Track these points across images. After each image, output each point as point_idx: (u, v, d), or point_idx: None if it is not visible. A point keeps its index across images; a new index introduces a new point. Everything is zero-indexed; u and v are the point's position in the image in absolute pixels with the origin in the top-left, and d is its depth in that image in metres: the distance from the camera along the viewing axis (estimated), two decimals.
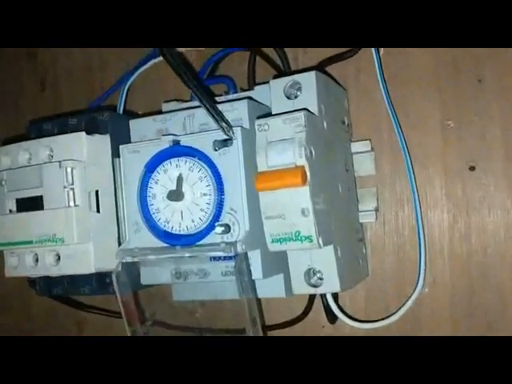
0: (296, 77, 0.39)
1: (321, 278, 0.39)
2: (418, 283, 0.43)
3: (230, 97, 0.46)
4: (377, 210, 0.46)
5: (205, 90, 0.40)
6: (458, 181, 0.44)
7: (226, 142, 0.39)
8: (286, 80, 0.39)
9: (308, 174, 0.35)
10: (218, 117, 0.38)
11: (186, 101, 0.49)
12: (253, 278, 0.40)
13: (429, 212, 0.45)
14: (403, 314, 0.44)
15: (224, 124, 0.38)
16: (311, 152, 0.36)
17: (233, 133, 0.38)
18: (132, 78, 0.50)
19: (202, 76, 0.50)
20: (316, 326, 0.48)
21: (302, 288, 0.39)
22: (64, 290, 0.44)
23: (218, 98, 0.46)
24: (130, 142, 0.43)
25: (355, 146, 0.46)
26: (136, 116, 0.48)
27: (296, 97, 0.39)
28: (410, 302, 0.43)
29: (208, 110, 0.38)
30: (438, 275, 0.45)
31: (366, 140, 0.46)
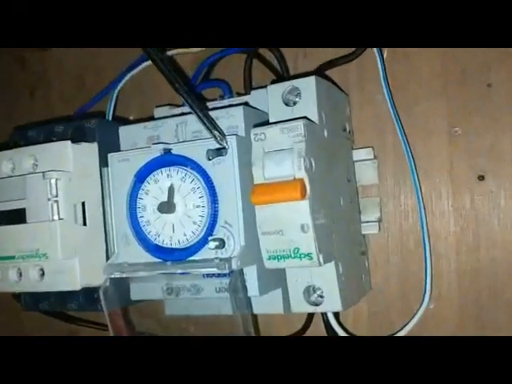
0: (295, 82, 0.37)
1: (321, 296, 0.37)
2: (424, 299, 0.41)
3: (226, 102, 0.43)
4: (380, 220, 0.44)
5: (196, 96, 0.38)
6: (466, 191, 0.42)
7: (220, 151, 0.37)
8: (285, 85, 0.37)
9: (308, 187, 0.32)
10: (210, 124, 0.36)
11: (180, 105, 0.46)
12: (249, 295, 0.38)
13: (435, 223, 0.43)
14: (409, 330, 0.41)
15: (216, 132, 0.36)
16: (311, 163, 0.33)
17: (226, 142, 0.36)
18: (122, 82, 0.48)
19: (196, 79, 0.47)
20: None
21: (301, 306, 0.37)
22: (50, 305, 0.42)
23: (212, 103, 0.44)
24: (119, 150, 0.41)
25: (357, 154, 0.44)
26: (127, 122, 0.45)
27: (295, 103, 0.37)
28: (415, 319, 0.41)
29: (199, 117, 0.36)
30: (444, 290, 0.42)
31: (368, 147, 0.44)
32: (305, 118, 0.34)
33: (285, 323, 0.46)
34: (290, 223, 0.33)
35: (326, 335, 0.43)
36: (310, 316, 0.44)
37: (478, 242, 0.42)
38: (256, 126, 0.36)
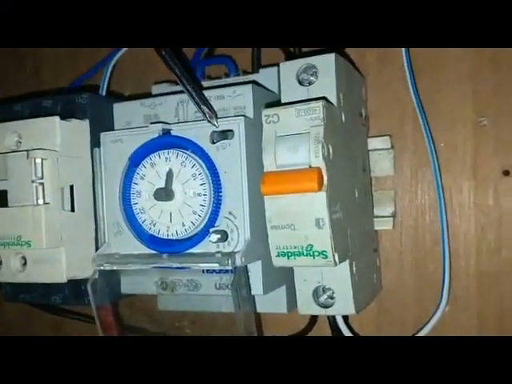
0: (312, 59, 0.33)
1: (331, 297, 0.33)
2: (440, 303, 0.38)
3: (231, 80, 0.40)
4: (394, 216, 0.40)
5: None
6: (490, 186, 0.38)
7: (225, 134, 0.33)
8: (300, 63, 0.33)
9: (325, 177, 0.29)
10: (199, 99, 0.32)
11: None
12: (252, 293, 0.34)
13: (453, 221, 0.39)
14: (424, 334, 0.38)
15: (205, 108, 0.32)
16: (329, 150, 0.30)
17: (216, 121, 0.33)
18: (118, 55, 0.43)
19: (199, 55, 0.43)
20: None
21: (309, 308, 0.34)
22: (33, 297, 0.39)
23: (216, 81, 0.40)
24: (112, 130, 0.37)
25: (372, 143, 0.40)
26: (121, 99, 0.41)
27: (310, 83, 0.33)
28: (431, 323, 0.38)
29: (184, 86, 0.32)
30: (462, 293, 0.39)
31: (385, 135, 0.40)
32: (324, 98, 0.31)
33: (287, 322, 0.43)
34: (304, 217, 0.29)
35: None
36: (315, 316, 0.41)
37: (500, 242, 0.38)
38: (267, 106, 0.32)
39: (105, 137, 0.36)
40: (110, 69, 0.44)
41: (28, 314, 0.54)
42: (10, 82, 0.56)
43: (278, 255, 0.30)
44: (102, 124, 0.37)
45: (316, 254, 0.29)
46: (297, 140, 0.30)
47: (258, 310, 0.38)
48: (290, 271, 0.35)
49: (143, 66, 0.47)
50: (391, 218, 0.40)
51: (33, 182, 0.33)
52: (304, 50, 0.41)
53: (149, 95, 0.41)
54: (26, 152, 0.33)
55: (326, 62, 0.32)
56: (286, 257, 0.30)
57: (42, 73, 0.54)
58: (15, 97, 0.49)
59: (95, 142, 0.37)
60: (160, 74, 0.45)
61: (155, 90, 0.42)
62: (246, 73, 0.41)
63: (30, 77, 0.54)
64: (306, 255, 0.30)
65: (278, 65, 0.38)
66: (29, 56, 0.54)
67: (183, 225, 0.34)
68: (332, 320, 0.39)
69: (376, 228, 0.40)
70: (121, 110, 0.38)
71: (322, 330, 0.41)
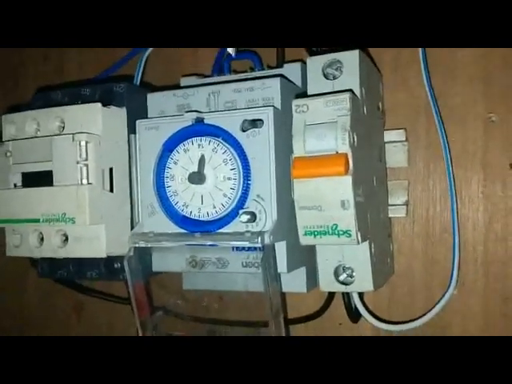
0: (337, 55, 0.35)
1: (351, 276, 0.36)
2: (449, 286, 0.40)
3: (256, 74, 0.42)
4: (407, 204, 0.43)
5: None
6: (498, 179, 0.41)
7: (255, 123, 0.36)
8: (326, 58, 0.36)
9: (351, 162, 0.32)
10: None
11: (206, 76, 0.45)
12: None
13: (463, 210, 0.42)
14: (431, 317, 0.41)
15: None
16: (354, 138, 0.32)
17: None
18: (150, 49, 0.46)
19: (225, 51, 0.46)
20: (333, 323, 0.46)
21: (330, 285, 0.36)
22: (69, 273, 0.41)
23: (243, 75, 0.42)
24: (146, 117, 0.40)
25: (388, 135, 0.43)
26: (153, 89, 0.44)
27: (334, 77, 0.36)
28: (438, 306, 0.41)
29: None
30: (470, 279, 0.42)
31: (400, 129, 0.43)
32: (350, 90, 0.33)
33: (302, 303, 0.45)
34: (331, 199, 0.32)
35: (342, 317, 0.43)
36: (331, 297, 0.43)
37: (507, 231, 0.41)
38: (297, 97, 0.35)
39: (140, 124, 0.39)
40: (144, 59, 0.46)
41: (50, 295, 0.57)
42: (34, 74, 0.58)
43: (306, 234, 0.33)
44: (136, 112, 0.39)
45: (341, 233, 0.32)
46: (325, 128, 0.32)
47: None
48: (310, 254, 0.37)
49: (169, 59, 0.50)
50: (404, 207, 0.43)
51: (78, 163, 0.36)
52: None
53: (177, 86, 0.43)
54: (71, 135, 0.36)
55: (351, 58, 0.35)
56: (313, 235, 0.33)
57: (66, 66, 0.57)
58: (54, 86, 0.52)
59: (131, 129, 0.39)
60: (184, 67, 0.48)
61: (184, 82, 0.45)
62: (270, 67, 0.43)
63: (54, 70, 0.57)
64: (332, 234, 0.32)
65: (300, 60, 0.41)
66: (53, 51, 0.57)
67: (214, 207, 0.36)
68: (347, 300, 0.42)
69: (390, 215, 0.42)
70: (154, 99, 0.40)
71: (334, 309, 0.43)
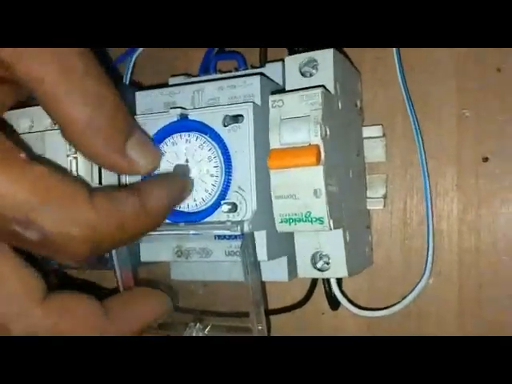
0: (313, 54, 0.38)
1: (327, 263, 0.38)
2: (424, 273, 0.42)
3: (240, 73, 0.44)
4: (385, 197, 0.45)
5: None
6: (471, 171, 0.43)
7: (236, 118, 0.38)
8: (302, 57, 0.38)
9: (322, 153, 0.34)
10: None
11: (195, 75, 0.47)
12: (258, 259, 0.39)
13: (438, 201, 0.44)
14: (408, 303, 0.43)
15: None
16: (326, 131, 0.34)
17: None
18: (139, 50, 0.48)
19: (213, 51, 0.48)
20: (316, 312, 0.48)
21: (307, 271, 0.38)
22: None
23: (227, 74, 0.44)
24: (135, 115, 0.42)
25: (366, 131, 0.45)
26: (142, 88, 0.46)
27: (311, 75, 0.38)
28: (415, 292, 0.42)
29: None
30: (445, 267, 0.44)
31: (378, 125, 0.45)
32: (322, 86, 0.35)
33: (286, 293, 0.47)
34: (304, 188, 0.34)
35: (325, 307, 0.45)
36: (313, 286, 0.45)
37: (479, 222, 0.43)
38: (273, 93, 0.37)
39: None
40: (134, 58, 0.48)
41: None
42: None
43: (281, 221, 0.35)
44: None
45: (314, 219, 0.34)
46: (299, 122, 0.34)
47: (263, 278, 0.42)
48: (290, 244, 0.39)
49: (160, 59, 0.52)
50: (382, 199, 0.44)
51: (68, 156, 0.38)
52: None
53: (166, 85, 0.45)
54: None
55: (325, 56, 0.37)
56: (288, 223, 0.35)
57: None
58: None
59: None
60: (175, 67, 0.50)
61: (172, 81, 0.47)
62: (253, 67, 0.46)
63: None
64: (305, 221, 0.34)
65: (282, 60, 0.43)
66: None
67: (194, 200, 0.38)
68: (328, 289, 0.43)
69: (369, 207, 0.44)
70: (143, 97, 0.42)
71: (317, 299, 0.45)
